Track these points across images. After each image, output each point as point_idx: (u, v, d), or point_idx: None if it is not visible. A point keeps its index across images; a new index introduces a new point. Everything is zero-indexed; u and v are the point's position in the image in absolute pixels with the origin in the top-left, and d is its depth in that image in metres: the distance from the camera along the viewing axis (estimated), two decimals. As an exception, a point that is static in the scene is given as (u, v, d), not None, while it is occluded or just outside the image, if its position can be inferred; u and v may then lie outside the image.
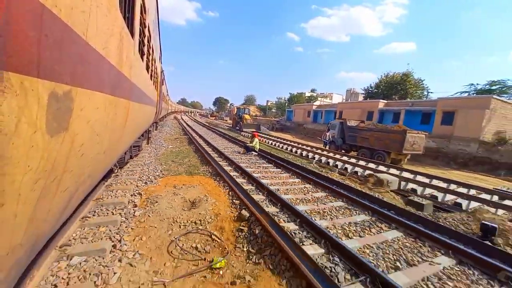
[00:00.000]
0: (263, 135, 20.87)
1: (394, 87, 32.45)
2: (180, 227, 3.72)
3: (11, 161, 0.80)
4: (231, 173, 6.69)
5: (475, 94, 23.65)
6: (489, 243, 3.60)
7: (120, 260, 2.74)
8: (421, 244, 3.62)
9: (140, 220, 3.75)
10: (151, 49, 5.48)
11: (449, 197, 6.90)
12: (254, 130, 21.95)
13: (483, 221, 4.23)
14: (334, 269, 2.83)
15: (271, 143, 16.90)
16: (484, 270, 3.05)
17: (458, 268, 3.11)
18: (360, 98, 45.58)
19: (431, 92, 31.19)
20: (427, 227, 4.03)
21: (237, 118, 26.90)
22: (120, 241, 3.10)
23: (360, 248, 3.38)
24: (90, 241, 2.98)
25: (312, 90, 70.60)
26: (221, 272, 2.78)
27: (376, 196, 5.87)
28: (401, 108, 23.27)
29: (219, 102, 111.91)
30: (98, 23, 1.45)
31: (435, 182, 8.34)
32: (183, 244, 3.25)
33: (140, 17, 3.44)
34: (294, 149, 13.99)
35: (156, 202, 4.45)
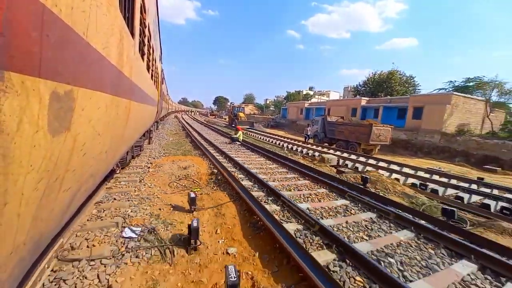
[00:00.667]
0: (257, 131, 22.89)
1: (381, 85, 34.69)
2: (176, 177, 6.35)
3: (14, 161, 0.80)
4: (214, 154, 9.12)
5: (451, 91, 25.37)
6: (363, 187, 6.01)
7: (144, 185, 5.47)
8: (331, 192, 5.74)
9: (152, 173, 6.46)
10: (151, 48, 5.48)
11: (370, 169, 9.19)
12: (248, 127, 25.22)
13: (363, 175, 6.91)
14: (254, 188, 5.47)
15: (260, 137, 18.73)
16: (354, 196, 5.33)
17: (347, 201, 5.16)
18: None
19: (419, 89, 32.65)
20: (338, 183, 6.18)
21: (232, 116, 29.21)
22: (143, 179, 5.83)
23: (278, 186, 5.86)
24: (128, 177, 5.77)
25: (310, 88, 71.89)
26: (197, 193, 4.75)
27: (315, 168, 7.97)
28: (380, 104, 25.81)
29: (219, 101, 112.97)
30: (98, 23, 1.45)
31: (371, 161, 10.78)
32: (177, 184, 5.89)
33: (140, 17, 3.44)
34: (277, 142, 16.12)
35: (161, 166, 7.15)
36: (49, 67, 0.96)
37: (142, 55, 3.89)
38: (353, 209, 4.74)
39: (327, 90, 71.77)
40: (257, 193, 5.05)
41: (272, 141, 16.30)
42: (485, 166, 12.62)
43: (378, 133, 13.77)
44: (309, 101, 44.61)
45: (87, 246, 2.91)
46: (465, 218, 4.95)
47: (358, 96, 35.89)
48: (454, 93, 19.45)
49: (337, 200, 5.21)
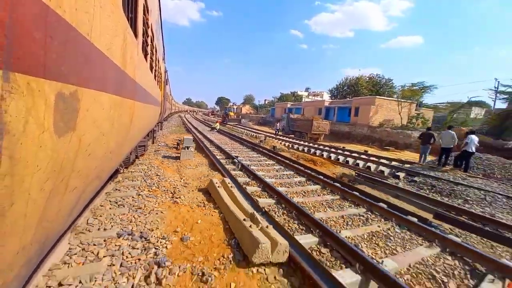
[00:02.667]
0: (241, 126, 29.12)
1: (350, 88, 41.31)
2: (173, 140, 12.01)
3: (20, 162, 0.81)
4: (198, 135, 15.44)
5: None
6: (274, 150, 11.19)
7: (157, 142, 11.30)
8: (257, 154, 10.27)
9: (164, 136, 14.06)
10: (154, 49, 5.50)
11: (296, 146, 14.83)
12: (236, 123, 34.40)
13: (273, 145, 12.82)
14: (219, 155, 9.24)
15: (239, 130, 24.04)
16: (266, 154, 10.07)
17: (265, 157, 9.58)
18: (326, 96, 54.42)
19: (395, 92, 36.42)
20: (263, 150, 10.82)
21: (224, 115, 38.33)
22: (158, 139, 12.03)
23: (228, 148, 11.08)
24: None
25: (307, 89, 74.72)
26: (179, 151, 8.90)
27: (257, 143, 12.95)
28: (336, 105, 32.97)
29: (221, 102, 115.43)
30: (102, 23, 1.45)
31: (310, 144, 15.54)
32: (173, 144, 11.00)
33: (143, 17, 3.45)
34: (249, 132, 21.32)
35: (168, 136, 13.85)
36: (54, 68, 0.96)
37: (146, 55, 3.90)
38: (268, 161, 9.01)
39: (320, 91, 74.93)
40: (215, 151, 9.95)
41: (245, 132, 21.61)
42: (385, 147, 19.37)
43: (318, 125, 19.65)
44: (308, 100, 50.23)
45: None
46: (361, 179, 7.46)
47: (333, 98, 43.88)
48: (377, 96, 26.86)
49: (259, 155, 10.06)
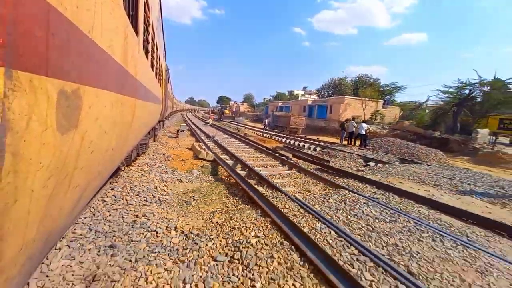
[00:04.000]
0: (234, 123, 32.15)
1: (334, 88, 45.49)
2: (175, 130, 15.56)
3: (23, 159, 0.82)
4: (193, 127, 18.97)
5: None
6: (244, 136, 15.30)
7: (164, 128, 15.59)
8: (233, 138, 14.42)
9: (168, 127, 17.50)
10: (155, 46, 5.49)
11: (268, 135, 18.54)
12: (230, 120, 36.70)
13: (245, 133, 17.64)
14: (202, 135, 14.30)
15: (231, 125, 26.54)
16: (236, 138, 14.30)
17: (234, 139, 13.99)
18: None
19: (383, 93, 40.20)
20: (239, 136, 14.47)
21: (220, 112, 42.22)
22: (165, 126, 16.65)
23: (217, 136, 14.44)
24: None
25: (304, 88, 77.71)
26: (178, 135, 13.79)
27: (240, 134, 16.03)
28: (316, 104, 37.75)
29: (222, 100, 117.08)
30: (103, 21, 1.45)
31: (287, 136, 18.15)
32: (175, 130, 15.47)
33: (144, 15, 3.44)
34: (238, 127, 24.43)
35: (170, 127, 18.36)
36: (56, 66, 0.97)
37: (146, 53, 3.90)
38: (234, 141, 12.99)
39: (316, 89, 76.40)
40: (201, 135, 14.16)
41: (233, 126, 24.67)
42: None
43: (295, 121, 23.10)
44: (303, 99, 53.80)
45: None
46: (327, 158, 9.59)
47: (320, 97, 48.49)
48: (346, 96, 32.21)
49: (231, 138, 14.27)
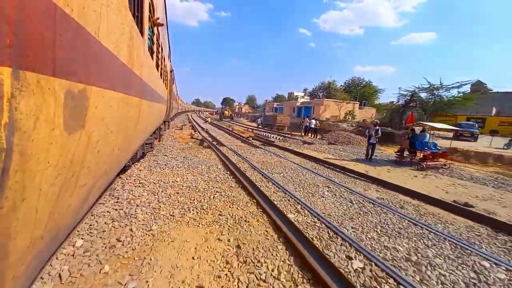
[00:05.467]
0: (233, 122, 36.52)
1: (323, 91, 51.22)
2: (179, 125, 20.92)
3: (31, 158, 0.83)
4: (195, 124, 23.32)
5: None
6: (231, 130, 20.66)
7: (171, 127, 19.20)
8: (223, 131, 19.50)
9: (174, 124, 21.95)
10: (160, 47, 5.53)
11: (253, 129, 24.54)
12: (229, 119, 41.07)
13: (232, 128, 23.00)
14: (200, 130, 18.87)
15: (229, 124, 29.83)
16: (226, 131, 19.62)
17: (223, 132, 19.16)
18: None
19: (364, 95, 45.19)
20: (228, 130, 20.08)
21: (220, 113, 46.47)
22: (171, 124, 19.80)
23: (213, 132, 17.53)
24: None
25: (304, 90, 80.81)
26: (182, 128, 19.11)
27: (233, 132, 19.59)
28: (303, 105, 42.41)
29: (226, 102, 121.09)
30: (109, 22, 1.47)
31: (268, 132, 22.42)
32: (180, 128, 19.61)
33: (149, 16, 3.47)
34: (232, 125, 28.65)
35: (175, 124, 22.86)
36: (63, 66, 0.98)
37: (152, 53, 3.93)
38: (223, 133, 17.67)
39: (308, 92, 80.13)
40: (198, 128, 19.95)
41: (228, 125, 28.53)
42: (323, 134, 23.59)
43: (281, 120, 26.68)
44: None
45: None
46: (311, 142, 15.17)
47: (311, 98, 54.20)
48: (325, 99, 38.41)
49: (221, 131, 19.35)
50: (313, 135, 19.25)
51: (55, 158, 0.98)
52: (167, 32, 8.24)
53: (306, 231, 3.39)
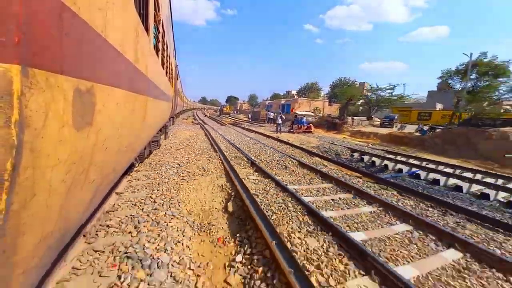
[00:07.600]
0: (229, 117, 42.63)
1: (307, 90, 62.75)
2: (186, 119, 31.52)
3: (41, 155, 0.84)
4: (196, 117, 35.37)
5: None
6: (222, 123, 30.78)
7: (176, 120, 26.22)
8: (216, 123, 27.28)
9: (182, 118, 31.45)
10: (165, 45, 5.55)
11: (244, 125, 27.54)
12: (228, 115, 47.34)
13: (223, 120, 33.23)
14: (199, 121, 26.44)
15: (225, 119, 36.77)
16: (219, 123, 28.35)
17: (216, 123, 27.72)
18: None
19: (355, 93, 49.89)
20: (220, 123, 28.43)
21: (219, 110, 54.70)
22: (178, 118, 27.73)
23: (209, 123, 25.36)
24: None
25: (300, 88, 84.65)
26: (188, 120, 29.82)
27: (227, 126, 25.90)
28: (286, 103, 49.40)
29: (230, 100, 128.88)
30: (115, 20, 1.47)
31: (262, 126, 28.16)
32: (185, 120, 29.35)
33: (154, 13, 3.48)
34: (227, 119, 35.66)
35: (184, 118, 31.75)
36: (71, 64, 0.99)
37: (157, 51, 3.95)
38: (216, 123, 25.67)
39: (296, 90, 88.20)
40: (198, 120, 29.24)
41: (224, 119, 35.35)
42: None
43: (263, 114, 33.15)
44: (269, 101, 70.89)
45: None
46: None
47: (301, 96, 62.17)
48: (299, 98, 47.05)
49: (214, 122, 27.28)
50: (271, 123, 27.28)
51: (64, 155, 1.00)
52: (172, 29, 8.25)
53: (229, 151, 9.18)
